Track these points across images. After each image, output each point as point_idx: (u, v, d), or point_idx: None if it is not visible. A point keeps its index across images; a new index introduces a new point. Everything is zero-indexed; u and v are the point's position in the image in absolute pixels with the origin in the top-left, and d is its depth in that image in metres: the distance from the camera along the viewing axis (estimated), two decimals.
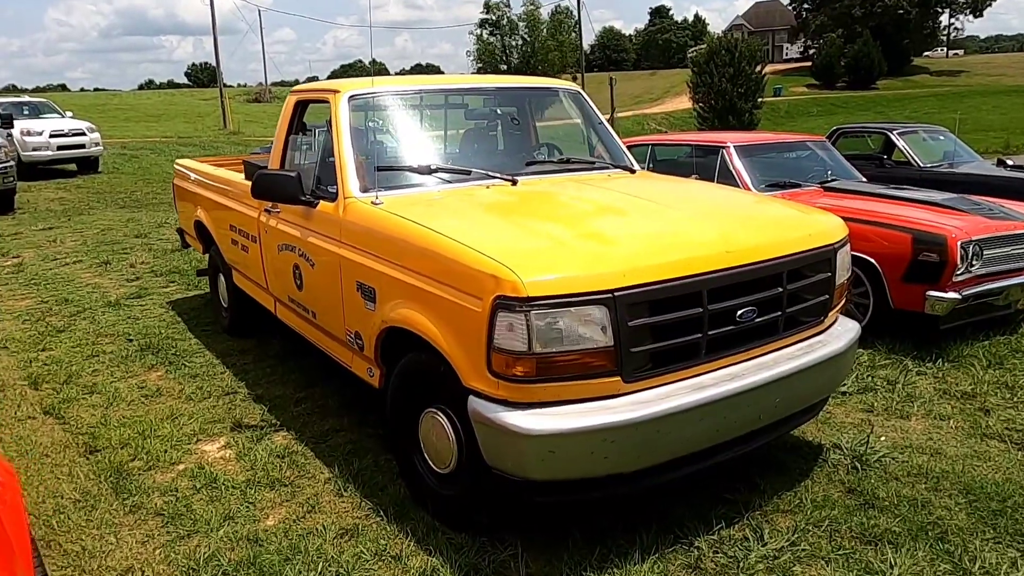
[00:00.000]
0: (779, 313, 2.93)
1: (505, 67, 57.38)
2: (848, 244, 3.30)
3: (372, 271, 3.15)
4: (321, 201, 3.62)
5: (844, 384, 4.35)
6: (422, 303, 2.83)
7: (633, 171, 4.12)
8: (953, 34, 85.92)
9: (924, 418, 3.97)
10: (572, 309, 2.45)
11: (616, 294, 2.48)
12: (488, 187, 3.53)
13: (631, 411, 2.51)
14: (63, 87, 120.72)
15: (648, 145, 6.77)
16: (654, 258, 2.61)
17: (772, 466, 3.41)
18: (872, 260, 4.92)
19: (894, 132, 8.43)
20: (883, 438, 3.74)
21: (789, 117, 50.52)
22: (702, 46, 38.69)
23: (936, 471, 3.36)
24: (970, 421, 3.89)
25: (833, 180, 6.21)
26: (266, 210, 4.23)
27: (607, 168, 4.08)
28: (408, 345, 3.02)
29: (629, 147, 6.93)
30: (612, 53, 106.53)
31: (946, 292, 4.66)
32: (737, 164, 5.93)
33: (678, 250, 2.69)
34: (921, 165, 8.13)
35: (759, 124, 36.26)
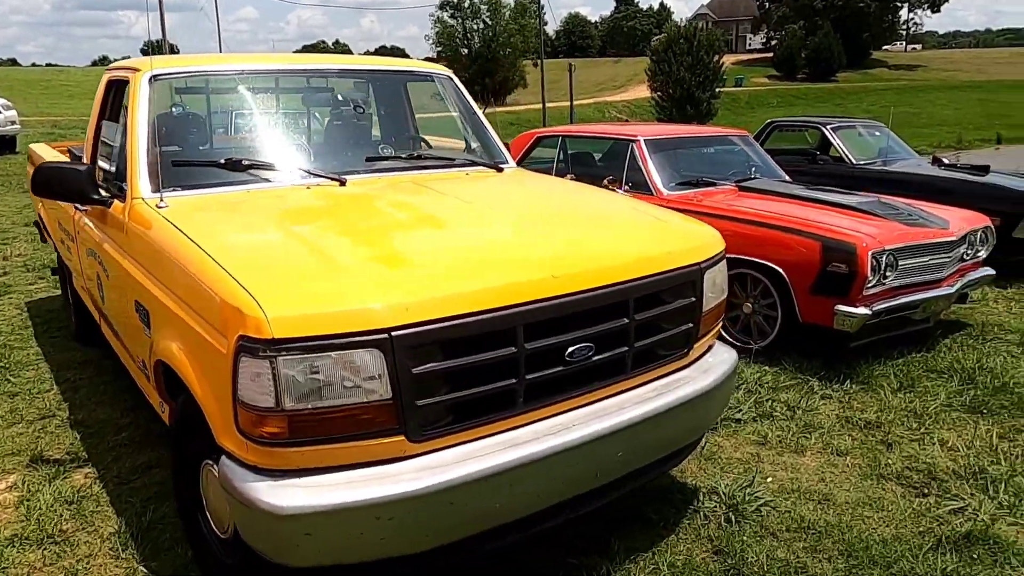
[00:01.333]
0: (625, 349, 2.43)
1: (466, 51, 56.32)
2: (723, 261, 2.81)
3: (145, 290, 2.59)
4: (115, 201, 3.04)
5: (739, 411, 3.91)
6: (181, 336, 2.29)
7: (500, 169, 3.59)
8: (912, 29, 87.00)
9: (820, 453, 3.53)
10: (333, 354, 1.92)
11: (393, 334, 1.95)
12: (309, 188, 2.97)
13: (414, 480, 2.00)
14: (13, 62, 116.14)
15: (559, 137, 6.26)
16: (451, 286, 2.09)
17: (632, 520, 2.94)
18: (780, 269, 4.47)
19: (828, 127, 8.02)
20: (770, 479, 3.29)
21: (749, 108, 50.56)
22: (664, 35, 38.26)
23: (820, 524, 2.92)
24: (869, 458, 3.46)
25: (752, 179, 5.77)
26: (76, 207, 3.63)
27: (468, 166, 3.55)
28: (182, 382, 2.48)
29: (541, 138, 6.45)
30: (577, 39, 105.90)
31: (856, 307, 4.23)
32: (647, 160, 5.44)
33: (487, 275, 2.17)
34: (854, 162, 7.75)
35: (717, 114, 36.04)
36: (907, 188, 7.20)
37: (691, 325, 2.65)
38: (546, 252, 2.35)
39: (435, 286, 2.07)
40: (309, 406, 1.93)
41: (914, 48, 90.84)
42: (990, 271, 5.22)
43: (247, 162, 3.01)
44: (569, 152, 6.32)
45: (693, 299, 2.63)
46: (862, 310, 4.21)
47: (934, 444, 3.57)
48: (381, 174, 3.22)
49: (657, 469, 2.75)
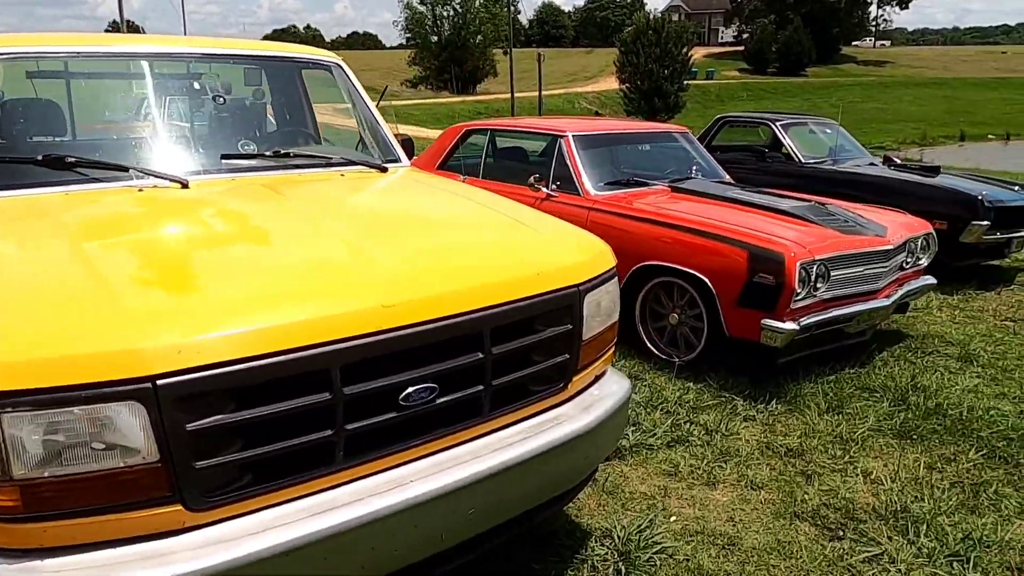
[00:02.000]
0: (480, 388, 2.08)
1: (436, 38, 55.57)
2: (611, 281, 2.47)
3: None
4: None
5: (654, 435, 3.59)
6: None
7: (384, 169, 3.21)
8: (882, 25, 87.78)
9: (734, 486, 3.23)
10: (77, 409, 1.54)
11: (159, 382, 1.58)
12: (141, 191, 2.58)
13: (191, 559, 1.63)
14: None
15: (488, 130, 5.89)
16: (245, 320, 1.71)
17: (508, 574, 2.60)
18: (705, 279, 4.16)
19: (778, 124, 7.75)
20: (674, 518, 2.97)
21: (719, 101, 50.60)
22: (632, 26, 37.89)
23: None
24: (785, 492, 3.16)
25: (688, 179, 5.45)
26: None
27: (345, 165, 3.17)
28: None
29: (470, 132, 6.07)
30: (550, 29, 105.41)
31: (783, 321, 3.93)
32: (575, 157, 5.10)
33: (296, 306, 1.79)
34: (803, 161, 7.48)
35: (684, 107, 35.87)
36: (855, 188, 6.96)
37: (567, 356, 2.31)
38: (381, 275, 1.98)
39: (223, 320, 1.70)
40: (47, 473, 1.55)
41: (883, 44, 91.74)
42: (931, 280, 4.96)
43: (71, 159, 2.60)
44: (498, 148, 5.96)
45: (570, 326, 2.28)
46: (789, 325, 3.91)
47: (857, 475, 3.28)
48: (236, 175, 2.83)
49: (533, 518, 2.41)
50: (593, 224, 4.77)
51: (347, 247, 2.14)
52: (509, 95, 40.22)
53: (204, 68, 3.49)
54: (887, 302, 4.37)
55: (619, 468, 3.33)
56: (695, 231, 4.27)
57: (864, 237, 4.31)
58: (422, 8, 55.55)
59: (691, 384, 4.20)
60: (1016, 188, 6.92)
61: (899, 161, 7.77)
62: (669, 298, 4.51)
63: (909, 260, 4.73)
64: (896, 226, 4.69)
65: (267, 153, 3.03)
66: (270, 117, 3.92)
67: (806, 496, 3.13)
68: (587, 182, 5.00)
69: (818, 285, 4.02)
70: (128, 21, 34.42)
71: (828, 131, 8.17)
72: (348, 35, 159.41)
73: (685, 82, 35.50)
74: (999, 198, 6.47)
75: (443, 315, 1.96)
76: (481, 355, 2.05)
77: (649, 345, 4.61)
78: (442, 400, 2.00)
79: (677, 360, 4.38)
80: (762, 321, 3.96)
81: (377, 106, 3.62)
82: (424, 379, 1.94)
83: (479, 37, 55.77)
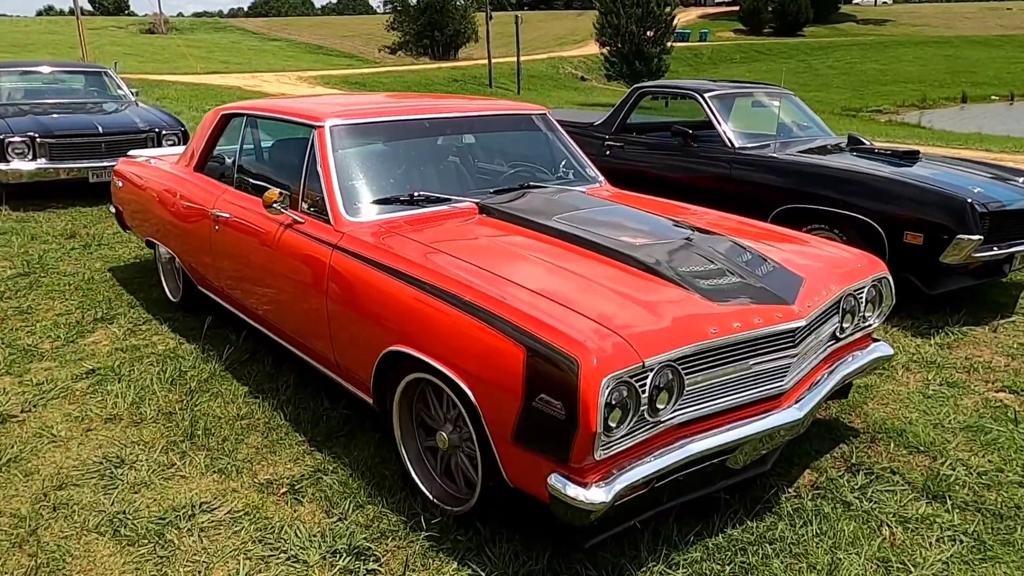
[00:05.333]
0: None
1: (414, 0, 52.85)
2: None
3: None
4: None
5: None
6: None
7: None
8: None
9: None
10: None
11: None
12: None
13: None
14: None
15: (244, 115, 4.03)
16: None
17: None
18: (465, 387, 2.35)
19: (707, 95, 5.84)
20: None
21: (711, 63, 48.25)
22: None
23: None
24: None
25: (525, 190, 3.59)
26: None
27: None
28: None
29: (229, 117, 4.22)
30: None
31: (583, 482, 2.13)
32: (329, 160, 3.25)
33: None
34: (736, 145, 5.61)
35: (668, 70, 33.51)
36: (803, 182, 5.13)
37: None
38: None
39: None
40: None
41: (884, 2, 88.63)
42: (883, 352, 3.11)
43: None
44: (261, 142, 4.10)
45: None
46: (593, 493, 2.10)
47: None
48: None
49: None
50: (335, 276, 2.96)
51: None
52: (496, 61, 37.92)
53: None
54: (798, 415, 2.54)
55: None
56: (458, 302, 2.45)
57: (756, 307, 2.48)
58: None
59: (473, 564, 2.41)
60: (1021, 181, 5.06)
61: (867, 144, 5.88)
62: (439, 404, 2.71)
63: (847, 326, 2.90)
64: (822, 274, 2.85)
65: None
66: None
67: None
68: (339, 201, 3.16)
69: (658, 407, 2.21)
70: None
71: (777, 104, 6.28)
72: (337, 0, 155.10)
73: (668, 44, 33.15)
74: (995, 198, 4.61)
75: None
76: None
77: (413, 474, 2.81)
78: None
79: (450, 510, 2.59)
80: (548, 479, 2.16)
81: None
82: None
83: (458, 0, 53.18)
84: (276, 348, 3.75)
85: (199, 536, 2.61)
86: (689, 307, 2.39)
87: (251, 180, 3.83)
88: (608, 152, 6.26)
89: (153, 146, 7.75)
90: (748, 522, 2.62)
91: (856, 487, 2.86)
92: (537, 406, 2.13)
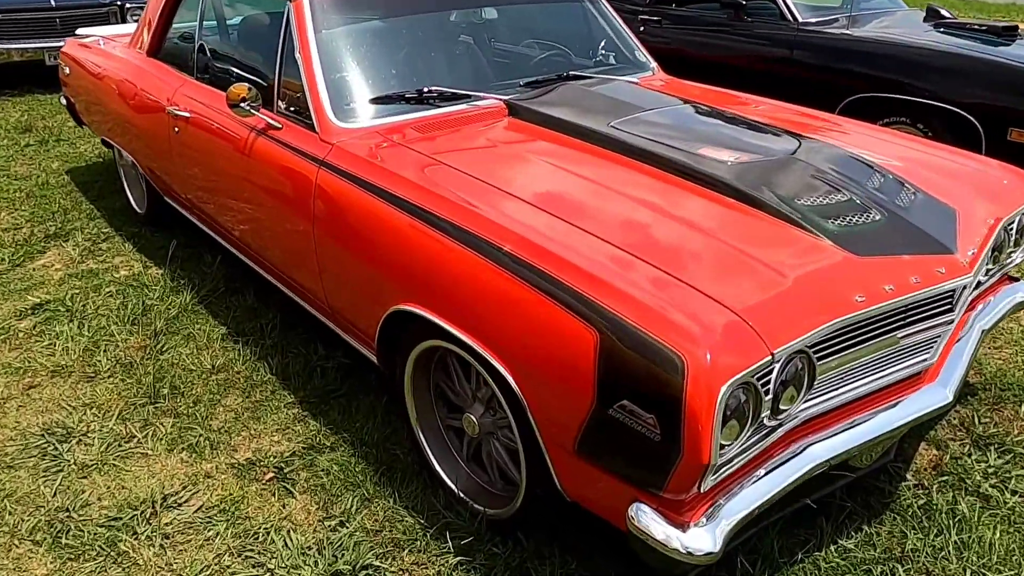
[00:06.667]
0: None
1: None
2: None
3: None
4: None
5: None
6: None
7: None
8: None
9: None
10: None
11: None
12: None
13: None
14: None
15: None
16: None
17: None
18: (507, 374, 1.70)
19: None
20: None
21: None
22: None
23: None
24: None
25: (560, 81, 2.81)
26: None
27: None
28: None
29: None
30: None
31: (682, 521, 1.52)
32: (309, 41, 2.46)
33: None
34: (799, 19, 4.72)
35: None
36: (876, 67, 4.31)
37: None
38: None
39: None
40: None
41: None
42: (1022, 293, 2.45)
43: None
44: (226, 19, 3.27)
45: None
46: (694, 537, 1.49)
47: None
48: None
49: None
50: (324, 201, 2.25)
51: None
52: None
53: None
54: (947, 397, 1.90)
55: None
56: (493, 252, 1.76)
57: (907, 258, 1.79)
58: None
59: None
60: None
61: (950, 16, 4.98)
62: (467, 379, 2.07)
63: (991, 267, 2.23)
64: (971, 200, 2.14)
65: None
66: None
67: None
68: (326, 101, 2.39)
69: (782, 407, 1.56)
70: None
71: None
72: None
73: None
74: None
75: None
76: None
77: (433, 461, 2.21)
78: None
79: (481, 510, 2.02)
80: (628, 511, 1.55)
81: None
82: None
83: None
84: (258, 277, 3.08)
85: (160, 546, 2.04)
86: (822, 261, 1.70)
87: (216, 69, 3.04)
88: (643, 28, 5.36)
89: (116, 22, 6.79)
90: (866, 528, 2.04)
91: (991, 471, 2.26)
92: (616, 415, 1.49)
